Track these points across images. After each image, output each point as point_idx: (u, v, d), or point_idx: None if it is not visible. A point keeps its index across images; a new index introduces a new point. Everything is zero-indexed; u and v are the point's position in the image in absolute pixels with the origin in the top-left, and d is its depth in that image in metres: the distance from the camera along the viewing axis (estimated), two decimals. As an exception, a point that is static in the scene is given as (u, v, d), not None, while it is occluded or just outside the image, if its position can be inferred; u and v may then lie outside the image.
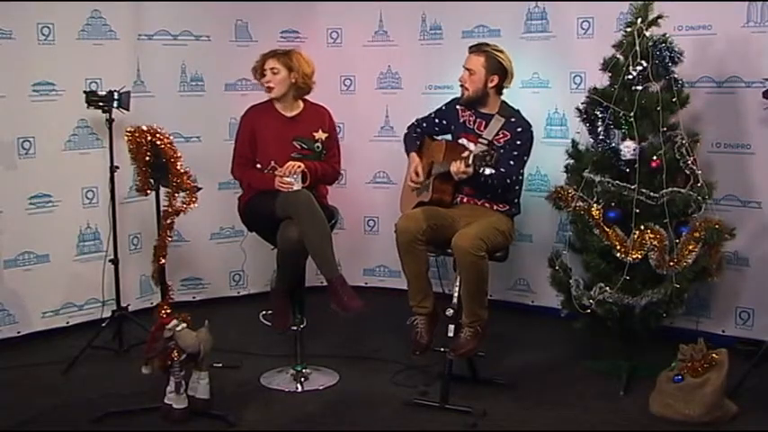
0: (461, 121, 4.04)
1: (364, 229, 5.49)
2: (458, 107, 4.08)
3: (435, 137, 4.16)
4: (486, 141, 3.90)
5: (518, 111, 4.01)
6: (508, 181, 3.87)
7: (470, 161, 3.67)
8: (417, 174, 4.02)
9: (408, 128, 4.23)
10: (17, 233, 4.45)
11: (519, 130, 3.92)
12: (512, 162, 3.87)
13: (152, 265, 3.79)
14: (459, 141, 3.98)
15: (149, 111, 4.64)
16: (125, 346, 4.34)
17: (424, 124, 4.19)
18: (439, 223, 3.82)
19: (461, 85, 3.99)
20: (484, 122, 3.97)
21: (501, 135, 3.92)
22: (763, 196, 4.20)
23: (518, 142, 3.91)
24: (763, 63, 4.09)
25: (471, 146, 3.87)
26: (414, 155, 4.10)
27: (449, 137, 4.11)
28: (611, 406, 3.71)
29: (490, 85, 3.95)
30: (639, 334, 3.93)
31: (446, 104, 4.16)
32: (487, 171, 3.67)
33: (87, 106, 4.31)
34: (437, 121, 4.15)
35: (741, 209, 4.24)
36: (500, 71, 3.96)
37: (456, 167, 3.72)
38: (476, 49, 3.98)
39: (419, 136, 4.16)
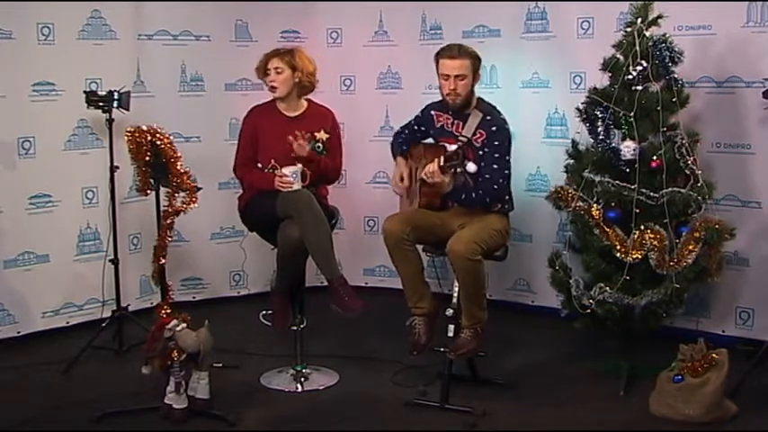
0: (438, 125, 4.01)
1: (364, 229, 5.49)
2: (432, 112, 4.04)
3: (417, 144, 4.13)
4: (465, 140, 3.84)
5: (494, 107, 3.95)
6: (495, 187, 3.83)
7: (443, 162, 3.65)
8: (401, 177, 4.02)
9: (393, 136, 4.21)
10: (17, 233, 4.45)
11: (494, 129, 3.85)
12: (495, 165, 3.82)
13: (152, 265, 3.79)
14: (440, 144, 3.96)
15: (149, 111, 4.64)
16: (125, 346, 4.34)
17: (407, 131, 4.16)
18: (429, 223, 3.82)
19: (450, 94, 3.86)
20: (461, 122, 3.92)
21: (478, 134, 3.86)
22: (763, 196, 4.20)
23: (496, 143, 3.84)
24: (763, 63, 4.09)
25: (451, 147, 3.84)
26: (400, 159, 4.09)
27: (430, 140, 4.09)
28: (611, 406, 3.72)
29: (475, 85, 3.92)
30: (639, 334, 3.94)
31: (422, 110, 4.11)
32: (471, 167, 3.64)
33: (87, 106, 4.31)
34: (416, 127, 4.13)
35: (741, 209, 4.24)
36: (479, 69, 3.92)
37: (428, 170, 3.70)
38: (456, 53, 3.84)
39: (404, 141, 4.13)
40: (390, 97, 5.33)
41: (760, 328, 4.23)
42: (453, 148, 3.80)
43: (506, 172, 3.88)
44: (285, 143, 4.01)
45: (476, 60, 3.89)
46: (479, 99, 3.97)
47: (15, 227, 4.44)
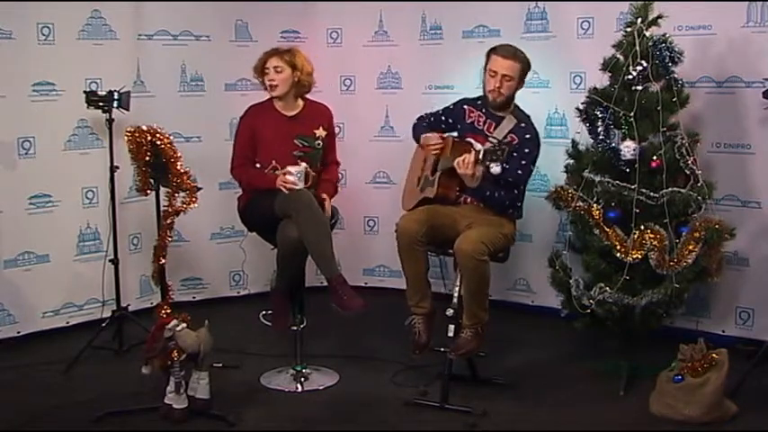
0: (469, 121, 4.02)
1: (364, 229, 5.49)
2: (465, 107, 4.05)
3: (442, 135, 4.13)
4: (495, 139, 3.86)
5: (529, 116, 3.99)
6: (516, 191, 3.87)
7: (481, 156, 3.64)
8: (440, 137, 3.94)
9: (418, 119, 4.17)
10: (17, 233, 4.45)
11: (527, 136, 3.90)
12: (519, 171, 3.86)
13: (152, 265, 3.79)
14: (467, 140, 3.96)
15: (149, 111, 4.64)
16: (125, 346, 4.34)
17: (432, 119, 4.15)
18: (440, 223, 3.82)
19: (493, 91, 3.89)
20: (494, 124, 3.94)
21: (509, 138, 3.88)
22: (763, 196, 4.20)
23: (526, 150, 3.88)
24: (763, 63, 4.09)
25: (479, 145, 3.85)
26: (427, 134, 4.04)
27: (455, 134, 4.09)
28: (611, 406, 3.72)
29: (518, 90, 3.95)
30: (639, 334, 3.94)
31: (454, 104, 4.13)
32: (496, 169, 3.65)
33: (87, 106, 4.31)
34: (443, 118, 4.12)
35: (741, 209, 4.24)
36: (525, 76, 3.95)
37: (463, 160, 3.66)
38: (511, 54, 3.89)
39: (428, 127, 4.12)
40: (390, 97, 5.33)
41: (760, 328, 4.23)
42: (479, 146, 3.79)
43: (527, 179, 3.94)
44: (284, 143, 4.01)
45: (526, 66, 3.93)
46: (516, 105, 3.99)
47: (15, 227, 4.44)
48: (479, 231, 3.73)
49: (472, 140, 3.91)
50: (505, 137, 3.87)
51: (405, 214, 3.93)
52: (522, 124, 3.93)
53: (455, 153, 3.80)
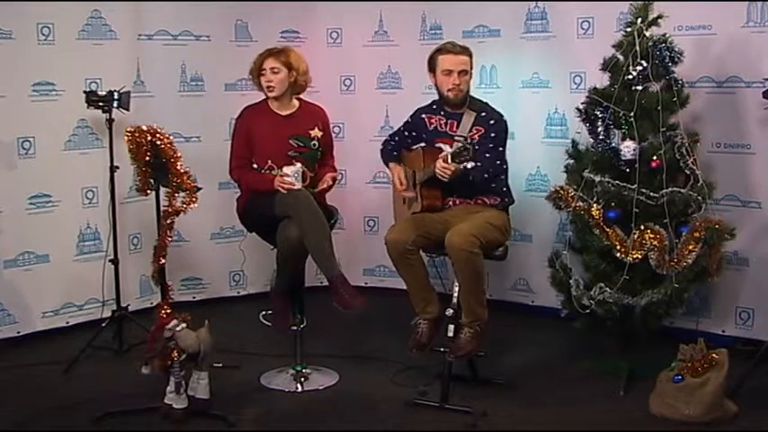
0: (431, 128, 4.03)
1: (364, 229, 5.49)
2: (423, 116, 4.07)
3: (411, 148, 4.14)
4: (462, 138, 3.87)
5: (486, 103, 4.01)
6: (486, 175, 3.85)
7: (449, 160, 3.67)
8: (401, 182, 4.04)
9: (383, 144, 4.23)
10: (17, 233, 4.45)
11: (492, 122, 3.92)
12: (487, 154, 3.85)
13: (152, 265, 3.79)
14: (436, 146, 3.97)
15: (149, 111, 4.65)
16: (125, 346, 4.34)
17: (397, 138, 4.19)
18: (431, 227, 3.81)
19: (453, 89, 3.90)
20: (455, 122, 3.96)
21: (475, 131, 3.90)
22: (763, 196, 4.20)
23: (492, 134, 3.90)
24: (763, 63, 4.08)
25: (447, 148, 3.86)
26: (393, 164, 4.11)
27: (423, 144, 4.08)
28: (611, 406, 3.71)
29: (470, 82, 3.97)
30: (639, 334, 3.94)
31: (411, 116, 4.15)
32: (470, 165, 3.67)
33: (87, 106, 4.32)
34: (407, 133, 4.15)
35: (741, 209, 4.23)
36: (473, 66, 3.97)
37: (439, 166, 3.71)
38: (459, 49, 3.91)
39: (394, 148, 4.16)
40: (390, 97, 5.33)
41: (760, 328, 4.23)
42: (448, 148, 3.81)
43: (502, 161, 3.92)
44: (279, 142, 4.01)
45: (472, 58, 3.94)
46: (470, 97, 4.00)
47: (15, 227, 4.44)
48: (469, 224, 3.73)
49: (441, 145, 3.93)
50: (470, 130, 3.89)
51: (391, 226, 3.92)
52: (483, 113, 3.94)
53: (428, 162, 3.82)
